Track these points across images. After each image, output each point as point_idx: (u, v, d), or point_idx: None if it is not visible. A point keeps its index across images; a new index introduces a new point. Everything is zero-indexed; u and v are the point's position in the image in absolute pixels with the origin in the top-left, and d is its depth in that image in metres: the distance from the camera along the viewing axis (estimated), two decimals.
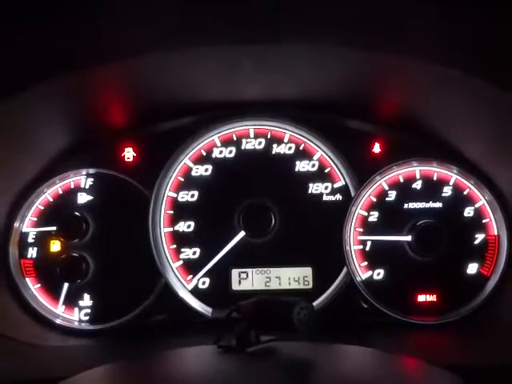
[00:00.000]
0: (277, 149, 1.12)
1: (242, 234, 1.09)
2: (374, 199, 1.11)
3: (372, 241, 1.10)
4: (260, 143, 1.12)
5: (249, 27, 0.85)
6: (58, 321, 1.08)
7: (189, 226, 1.11)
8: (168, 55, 0.89)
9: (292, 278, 1.10)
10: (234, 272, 1.10)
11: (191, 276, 1.10)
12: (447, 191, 1.11)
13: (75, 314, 1.09)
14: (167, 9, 0.81)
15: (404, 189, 1.11)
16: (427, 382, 0.56)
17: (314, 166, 1.12)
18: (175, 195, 1.11)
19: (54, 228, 1.09)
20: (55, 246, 1.10)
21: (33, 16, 0.77)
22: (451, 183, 1.11)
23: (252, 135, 1.12)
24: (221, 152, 1.12)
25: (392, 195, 1.11)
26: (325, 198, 1.12)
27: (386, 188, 1.11)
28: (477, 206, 1.10)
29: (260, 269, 1.10)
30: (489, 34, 0.81)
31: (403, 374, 0.59)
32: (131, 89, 1.00)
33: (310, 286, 1.10)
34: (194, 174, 1.11)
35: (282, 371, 0.57)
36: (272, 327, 0.64)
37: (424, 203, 1.10)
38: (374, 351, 0.66)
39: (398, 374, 0.58)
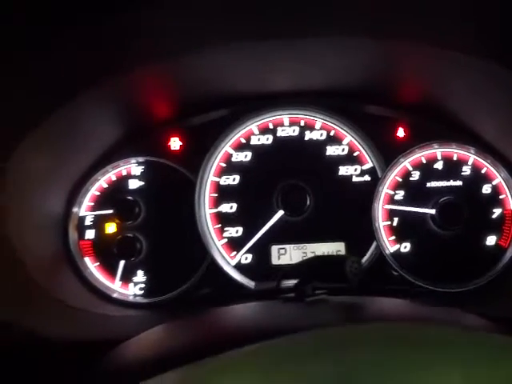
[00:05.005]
0: (309, 135, 1.23)
1: (280, 213, 1.19)
2: (400, 179, 1.21)
3: (398, 217, 1.20)
4: (294, 130, 1.23)
5: (282, 24, 0.95)
6: (114, 295, 1.19)
7: (231, 207, 1.22)
8: (210, 54, 0.99)
9: (326, 252, 1.20)
10: (274, 248, 1.21)
11: (235, 252, 1.21)
12: (466, 170, 1.21)
13: (130, 289, 1.20)
14: (208, 9, 0.90)
15: (426, 169, 1.21)
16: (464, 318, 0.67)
17: (343, 150, 1.22)
18: (218, 179, 1.22)
19: (110, 211, 1.20)
20: (111, 227, 1.22)
21: (83, 19, 0.82)
22: (470, 163, 1.21)
23: (287, 123, 1.23)
24: (259, 139, 1.23)
25: (415, 175, 1.22)
26: (354, 179, 1.22)
27: (410, 169, 1.21)
28: (494, 183, 1.20)
29: (297, 245, 1.21)
30: (503, 18, 0.89)
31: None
32: (176, 85, 1.10)
33: None
34: (234, 159, 1.22)
35: (338, 313, 0.68)
36: (326, 280, 0.75)
37: (445, 182, 1.21)
38: (415, 303, 0.76)
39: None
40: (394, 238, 1.20)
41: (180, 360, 0.53)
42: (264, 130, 1.23)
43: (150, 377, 0.53)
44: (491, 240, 1.20)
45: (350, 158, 1.22)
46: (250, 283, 1.20)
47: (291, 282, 1.17)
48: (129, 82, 1.01)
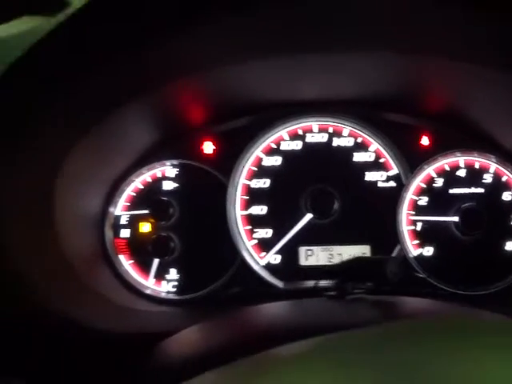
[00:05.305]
0: (337, 141, 1.28)
1: (308, 216, 1.24)
2: (423, 185, 1.26)
3: (422, 221, 1.25)
4: (323, 137, 1.28)
5: (317, 39, 1.00)
6: (147, 291, 1.24)
7: (261, 210, 1.26)
8: (248, 67, 1.04)
9: (352, 254, 1.25)
10: (302, 249, 1.26)
11: (264, 253, 1.26)
12: (487, 178, 1.26)
13: (163, 286, 1.25)
14: (249, 26, 0.95)
15: (449, 176, 1.26)
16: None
17: (370, 156, 1.27)
18: (249, 182, 1.27)
19: (146, 211, 1.25)
20: (145, 227, 1.27)
21: (130, 44, 0.87)
22: (491, 171, 1.26)
23: (315, 130, 1.28)
24: (288, 145, 1.28)
25: (439, 182, 1.27)
26: (380, 184, 1.27)
27: (434, 175, 1.26)
28: None
29: (324, 246, 1.25)
30: None
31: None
32: (211, 94, 1.15)
33: None
34: (265, 164, 1.27)
35: (378, 310, 0.73)
36: (365, 281, 0.80)
37: (467, 188, 1.26)
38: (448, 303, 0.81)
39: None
40: (417, 241, 1.25)
41: (230, 358, 0.51)
42: (294, 136, 1.28)
43: (193, 376, 0.51)
44: (510, 245, 1.24)
45: (376, 165, 1.27)
46: (278, 283, 1.25)
47: (323, 282, 1.23)
48: (168, 93, 1.06)
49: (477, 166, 1.26)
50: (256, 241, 1.26)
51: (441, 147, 1.26)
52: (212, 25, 0.90)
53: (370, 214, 1.26)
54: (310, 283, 1.24)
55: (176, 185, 1.27)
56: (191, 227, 1.26)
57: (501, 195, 1.25)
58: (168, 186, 1.27)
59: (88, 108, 0.92)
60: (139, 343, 1.05)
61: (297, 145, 1.28)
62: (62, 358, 1.00)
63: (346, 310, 0.73)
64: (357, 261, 0.81)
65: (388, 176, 1.27)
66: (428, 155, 1.26)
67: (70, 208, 1.06)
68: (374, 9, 0.91)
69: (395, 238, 1.24)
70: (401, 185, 1.26)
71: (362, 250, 1.25)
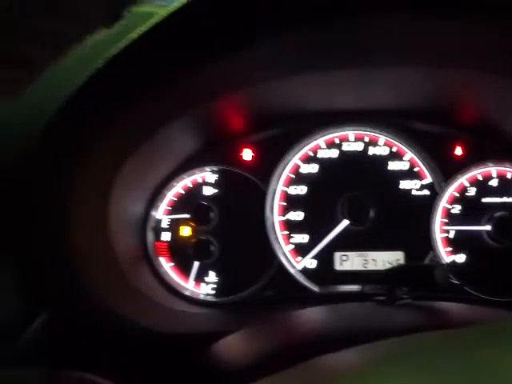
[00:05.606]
0: (373, 150, 1.32)
1: (345, 222, 1.28)
2: (457, 194, 1.30)
3: (455, 230, 1.29)
4: (359, 146, 1.32)
5: (351, 57, 1.04)
6: (187, 293, 1.28)
7: (298, 215, 1.30)
8: (285, 81, 1.09)
9: (386, 260, 1.28)
10: (337, 255, 1.29)
11: (300, 258, 1.29)
12: None
13: (201, 288, 1.29)
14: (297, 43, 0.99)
15: (482, 185, 1.30)
16: None
17: (404, 165, 1.31)
18: (286, 189, 1.31)
19: (186, 215, 1.30)
20: (185, 230, 1.31)
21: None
22: None
23: (352, 139, 1.32)
24: (325, 153, 1.32)
25: (471, 191, 1.30)
26: (413, 192, 1.31)
27: (467, 185, 1.30)
28: None
29: (359, 252, 1.29)
30: None
31: None
32: (252, 105, 1.20)
33: None
34: (302, 171, 1.31)
35: (428, 315, 0.76)
36: (415, 286, 0.83)
37: (499, 198, 1.29)
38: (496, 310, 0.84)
39: None
40: (450, 249, 1.28)
41: (290, 363, 0.50)
42: (330, 145, 1.32)
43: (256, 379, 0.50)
44: None
45: (411, 173, 1.31)
46: (314, 287, 1.28)
47: (355, 287, 1.27)
48: (213, 107, 1.12)
49: (509, 176, 1.29)
50: (293, 245, 1.30)
51: (473, 157, 1.29)
52: (262, 46, 0.95)
53: (404, 221, 1.29)
54: (345, 287, 1.28)
55: (216, 190, 1.31)
56: (230, 231, 1.30)
57: None
58: (208, 191, 1.31)
59: (145, 121, 0.97)
60: (180, 343, 1.10)
61: (333, 153, 1.32)
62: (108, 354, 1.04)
63: (403, 315, 0.76)
64: (405, 267, 0.84)
65: (422, 184, 1.30)
66: (461, 165, 1.29)
67: (120, 211, 1.11)
68: (412, 28, 0.95)
69: (428, 244, 1.27)
70: (434, 193, 1.29)
71: (396, 257, 1.28)
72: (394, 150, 1.32)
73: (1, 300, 0.93)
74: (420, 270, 0.82)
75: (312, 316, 0.86)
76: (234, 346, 0.90)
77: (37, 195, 0.85)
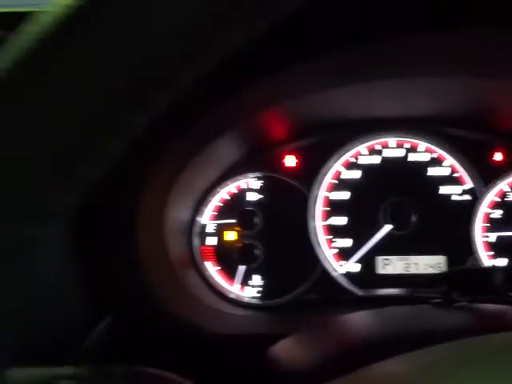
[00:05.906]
0: (414, 156, 1.34)
1: (387, 227, 1.31)
2: (497, 199, 1.32)
3: (496, 235, 1.31)
4: (399, 152, 1.35)
5: (392, 68, 1.08)
6: (232, 296, 1.32)
7: (341, 220, 1.34)
8: (327, 93, 1.13)
9: (428, 264, 1.31)
10: (379, 259, 1.32)
11: (343, 262, 1.32)
12: None
13: (246, 291, 1.33)
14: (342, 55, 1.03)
15: None
16: None
17: (445, 171, 1.34)
18: (329, 194, 1.34)
19: (232, 220, 1.33)
20: (230, 235, 1.35)
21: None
22: None
23: (393, 145, 1.35)
24: (367, 159, 1.35)
25: (511, 196, 1.33)
26: (454, 197, 1.33)
27: (507, 190, 1.32)
28: None
29: (401, 256, 1.32)
30: None
31: None
32: (295, 115, 1.24)
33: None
34: (344, 177, 1.35)
35: (487, 317, 0.79)
36: (471, 289, 0.86)
37: None
38: None
39: None
40: (491, 253, 1.30)
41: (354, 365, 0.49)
42: (372, 151, 1.35)
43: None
44: None
45: (451, 179, 1.33)
46: (357, 290, 1.31)
47: (397, 291, 1.29)
48: (258, 118, 1.16)
49: None
50: (336, 250, 1.33)
51: None
52: (309, 61, 1.00)
53: (445, 226, 1.31)
54: (387, 291, 1.30)
55: (260, 196, 1.35)
56: (274, 236, 1.33)
57: None
58: (252, 196, 1.35)
59: (201, 136, 1.02)
60: (229, 344, 1.13)
61: (375, 159, 1.35)
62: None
63: (461, 317, 0.79)
64: (462, 270, 0.87)
65: (462, 190, 1.33)
66: (501, 170, 1.32)
67: (173, 218, 1.15)
68: (450, 40, 0.99)
69: (470, 249, 1.30)
70: (475, 198, 1.32)
71: (438, 261, 1.31)
72: (435, 156, 1.34)
73: (67, 303, 0.97)
74: (478, 272, 0.85)
75: (366, 319, 0.88)
76: (291, 349, 0.93)
77: (106, 202, 0.89)
